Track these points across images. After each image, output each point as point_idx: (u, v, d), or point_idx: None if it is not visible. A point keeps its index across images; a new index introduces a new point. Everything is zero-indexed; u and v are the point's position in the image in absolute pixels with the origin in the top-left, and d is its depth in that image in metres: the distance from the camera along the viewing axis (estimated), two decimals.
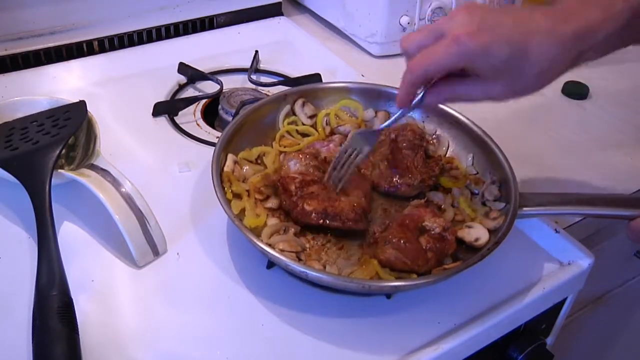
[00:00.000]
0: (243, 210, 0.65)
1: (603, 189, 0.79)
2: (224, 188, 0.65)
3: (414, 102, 0.59)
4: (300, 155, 0.70)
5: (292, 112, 0.78)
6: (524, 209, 0.64)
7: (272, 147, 0.75)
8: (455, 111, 0.75)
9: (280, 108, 0.77)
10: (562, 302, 0.71)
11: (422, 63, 0.54)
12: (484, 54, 0.52)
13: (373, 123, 0.79)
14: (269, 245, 0.60)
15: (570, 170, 0.82)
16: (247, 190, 0.67)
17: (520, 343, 0.68)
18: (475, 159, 0.73)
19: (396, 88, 0.78)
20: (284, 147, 0.75)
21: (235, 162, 0.70)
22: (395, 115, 0.62)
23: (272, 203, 0.68)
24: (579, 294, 0.71)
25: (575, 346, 1.09)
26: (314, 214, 0.64)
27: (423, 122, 0.78)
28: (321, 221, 0.64)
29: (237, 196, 0.67)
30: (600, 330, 1.13)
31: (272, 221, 0.66)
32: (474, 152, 0.73)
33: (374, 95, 0.80)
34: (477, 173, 0.72)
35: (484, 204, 0.69)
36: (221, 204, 0.62)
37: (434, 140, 0.76)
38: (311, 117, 0.78)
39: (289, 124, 0.77)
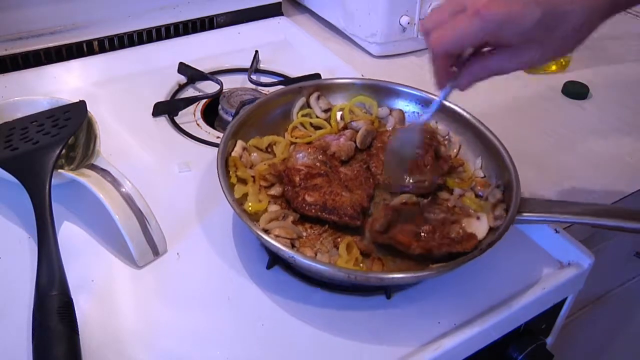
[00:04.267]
0: (245, 196, 0.66)
1: (603, 189, 0.79)
2: (229, 172, 0.67)
3: (450, 83, 0.56)
4: (309, 149, 0.71)
5: (307, 105, 0.79)
6: (524, 213, 0.64)
7: (284, 137, 0.76)
8: (470, 114, 0.75)
9: (295, 100, 0.78)
10: (562, 302, 0.71)
11: (442, 39, 0.51)
12: (513, 22, 0.49)
13: (387, 121, 0.79)
14: (265, 230, 0.61)
15: (570, 170, 0.82)
16: (253, 177, 0.68)
17: (520, 343, 0.68)
18: (483, 163, 0.73)
19: (412, 87, 0.79)
20: (296, 138, 0.76)
21: (244, 149, 0.71)
22: (439, 99, 0.59)
23: (275, 190, 0.68)
24: (579, 294, 0.71)
25: (575, 346, 1.09)
26: (312, 206, 0.65)
27: (436, 123, 0.78)
28: (319, 213, 0.65)
29: (242, 181, 0.68)
30: (600, 330, 1.13)
31: (273, 208, 0.66)
32: (483, 155, 0.73)
33: (389, 93, 0.80)
34: (485, 176, 0.72)
35: None
36: (222, 187, 0.63)
37: (446, 142, 0.76)
38: (325, 111, 0.79)
39: (302, 116, 0.78)
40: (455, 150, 0.76)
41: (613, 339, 1.20)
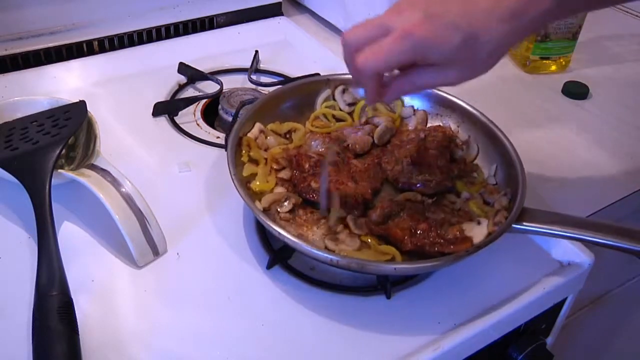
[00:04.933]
0: (253, 175, 0.68)
1: (603, 189, 0.79)
2: (241, 151, 0.69)
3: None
4: (325, 138, 0.72)
5: (332, 97, 0.80)
6: (524, 222, 0.63)
7: (304, 126, 0.77)
8: (491, 122, 0.74)
9: (320, 91, 0.79)
10: (562, 302, 0.71)
11: (372, 60, 0.53)
12: (435, 45, 0.52)
13: (410, 121, 0.79)
14: (265, 210, 0.63)
15: (570, 171, 0.82)
16: (265, 159, 0.70)
17: (520, 343, 0.68)
18: (498, 170, 0.73)
19: (451, 94, 0.78)
20: (316, 127, 0.77)
21: (262, 131, 0.72)
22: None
23: (285, 174, 0.70)
24: (579, 294, 0.71)
25: (575, 346, 1.09)
26: (315, 191, 0.66)
27: (458, 127, 0.77)
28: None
29: (254, 162, 0.69)
30: (600, 330, 1.13)
31: (279, 190, 0.68)
32: (499, 163, 0.73)
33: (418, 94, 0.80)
34: (496, 184, 0.72)
35: None
36: (227, 161, 0.65)
37: (464, 146, 0.76)
38: (350, 104, 0.80)
39: (326, 107, 0.79)
40: (473, 155, 0.75)
41: (613, 339, 1.20)
